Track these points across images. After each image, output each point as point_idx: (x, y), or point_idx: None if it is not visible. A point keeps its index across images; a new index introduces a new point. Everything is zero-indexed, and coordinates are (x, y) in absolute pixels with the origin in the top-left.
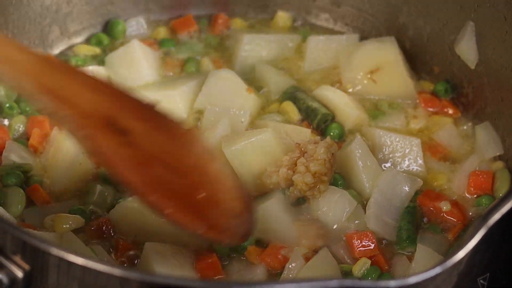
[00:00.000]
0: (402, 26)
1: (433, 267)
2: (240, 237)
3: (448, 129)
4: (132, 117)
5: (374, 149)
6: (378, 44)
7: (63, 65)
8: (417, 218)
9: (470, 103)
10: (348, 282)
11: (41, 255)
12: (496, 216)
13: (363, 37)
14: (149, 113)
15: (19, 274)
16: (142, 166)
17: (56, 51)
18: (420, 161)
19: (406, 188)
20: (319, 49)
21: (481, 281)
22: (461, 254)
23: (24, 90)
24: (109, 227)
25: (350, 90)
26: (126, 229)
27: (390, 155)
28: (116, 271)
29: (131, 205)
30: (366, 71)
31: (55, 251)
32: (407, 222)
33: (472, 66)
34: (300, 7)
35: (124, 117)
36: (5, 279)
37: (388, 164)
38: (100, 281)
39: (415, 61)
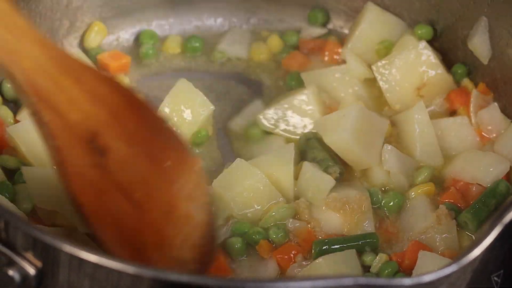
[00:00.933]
0: (414, 20)
1: (449, 264)
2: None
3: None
4: (119, 136)
5: None
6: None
7: (73, 62)
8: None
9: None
10: (362, 279)
11: (52, 252)
12: None
13: None
14: (148, 134)
15: (31, 271)
16: (102, 192)
17: (66, 45)
18: None
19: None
20: None
21: (495, 278)
22: (476, 251)
23: (13, 83)
24: None
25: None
26: None
27: None
28: (129, 268)
29: None
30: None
31: (67, 248)
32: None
33: (485, 62)
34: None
35: (109, 133)
36: (17, 276)
37: None
38: (112, 278)
39: None
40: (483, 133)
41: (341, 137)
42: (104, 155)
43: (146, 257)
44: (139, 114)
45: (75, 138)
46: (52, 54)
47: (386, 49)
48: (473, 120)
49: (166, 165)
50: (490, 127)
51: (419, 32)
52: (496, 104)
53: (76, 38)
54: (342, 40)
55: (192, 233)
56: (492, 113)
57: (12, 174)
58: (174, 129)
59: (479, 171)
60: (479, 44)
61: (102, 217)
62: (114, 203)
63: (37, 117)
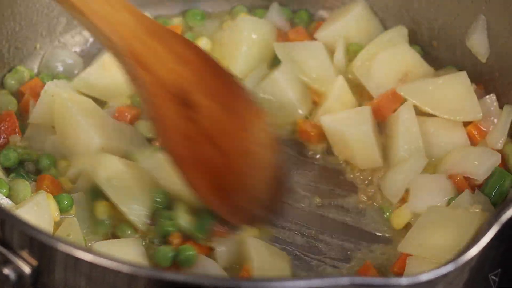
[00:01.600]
0: (413, 19)
1: (446, 264)
2: (252, 222)
3: None
4: (206, 93)
5: None
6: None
7: (160, 28)
8: None
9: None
10: (358, 279)
11: (48, 251)
12: (509, 213)
13: None
14: (226, 91)
15: (27, 270)
16: (194, 142)
17: (63, 43)
18: None
19: None
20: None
21: (493, 277)
22: (474, 250)
23: (112, 50)
24: None
25: None
26: None
27: None
28: (124, 268)
29: None
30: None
31: (63, 247)
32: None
33: (483, 60)
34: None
35: (198, 91)
36: (12, 275)
37: None
38: (108, 277)
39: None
40: (479, 126)
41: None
42: (194, 110)
43: (230, 199)
44: (216, 73)
45: (170, 95)
46: (143, 22)
47: (354, 53)
48: None
49: (242, 115)
50: (487, 118)
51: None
52: (492, 95)
53: (73, 36)
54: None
55: (267, 175)
56: (488, 104)
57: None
58: (244, 86)
59: (472, 165)
60: (477, 43)
61: (194, 165)
62: (204, 152)
63: (135, 79)
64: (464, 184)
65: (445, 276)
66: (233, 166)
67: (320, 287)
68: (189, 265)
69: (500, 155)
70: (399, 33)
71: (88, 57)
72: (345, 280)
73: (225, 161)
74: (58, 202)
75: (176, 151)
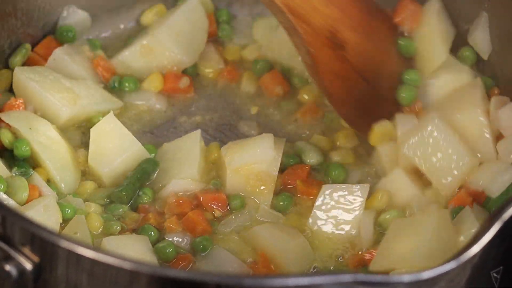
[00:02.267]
0: None
1: (448, 261)
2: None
3: None
4: (352, 28)
5: None
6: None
7: None
8: None
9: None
10: (361, 276)
11: (50, 247)
12: (511, 211)
13: None
14: (366, 18)
15: (28, 266)
16: (346, 80)
17: None
18: None
19: None
20: None
21: (494, 274)
22: (476, 248)
23: (271, 8)
24: None
25: None
26: None
27: None
28: (126, 264)
29: None
30: None
31: (65, 243)
32: None
33: (485, 57)
34: None
35: (345, 28)
36: (14, 271)
37: None
38: (110, 274)
39: None
40: (501, 131)
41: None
42: (343, 48)
43: (368, 117)
44: (356, 4)
45: (322, 40)
46: None
47: None
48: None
49: (382, 37)
50: (508, 126)
51: (465, 54)
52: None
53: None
54: None
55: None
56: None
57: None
58: (385, 12)
59: (487, 179)
60: (480, 40)
61: (346, 99)
62: (355, 85)
63: (292, 31)
64: (465, 199)
65: (447, 273)
66: (377, 91)
67: (323, 283)
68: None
69: None
70: None
71: None
72: (347, 277)
73: (370, 89)
74: (61, 210)
75: (331, 90)
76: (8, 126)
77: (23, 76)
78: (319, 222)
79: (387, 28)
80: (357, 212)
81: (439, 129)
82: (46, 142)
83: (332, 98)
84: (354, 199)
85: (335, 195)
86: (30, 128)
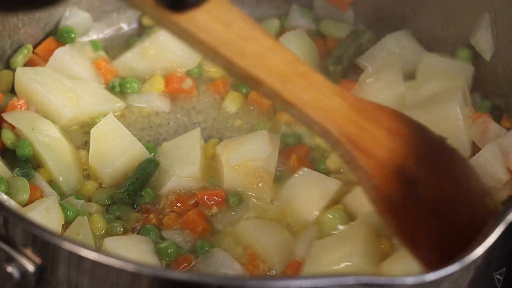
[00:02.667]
0: (417, 17)
1: (451, 263)
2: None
3: None
4: (422, 163)
5: None
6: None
7: (369, 105)
8: None
9: (485, 95)
10: (364, 278)
11: (52, 249)
12: None
13: (376, 28)
14: (438, 155)
15: (30, 267)
16: (418, 217)
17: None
18: None
19: None
20: None
21: (497, 276)
22: (479, 250)
23: (327, 138)
24: None
25: None
26: None
27: None
28: (128, 266)
29: None
30: None
31: (67, 245)
32: None
33: (488, 58)
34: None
35: (415, 163)
36: (16, 273)
37: None
38: (112, 275)
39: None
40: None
41: None
42: (414, 184)
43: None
44: (424, 137)
45: (388, 174)
46: (350, 101)
47: None
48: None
49: (458, 178)
50: None
51: (461, 54)
52: None
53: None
54: None
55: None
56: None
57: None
58: (449, 144)
59: None
60: (482, 40)
61: (419, 238)
62: (426, 223)
63: (352, 163)
64: None
65: (450, 275)
66: (453, 229)
67: (325, 286)
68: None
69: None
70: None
71: None
72: (350, 280)
73: (446, 227)
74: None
75: (402, 229)
76: (10, 127)
77: (25, 77)
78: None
79: (456, 162)
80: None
81: None
82: (49, 142)
83: (405, 238)
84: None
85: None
86: (33, 129)
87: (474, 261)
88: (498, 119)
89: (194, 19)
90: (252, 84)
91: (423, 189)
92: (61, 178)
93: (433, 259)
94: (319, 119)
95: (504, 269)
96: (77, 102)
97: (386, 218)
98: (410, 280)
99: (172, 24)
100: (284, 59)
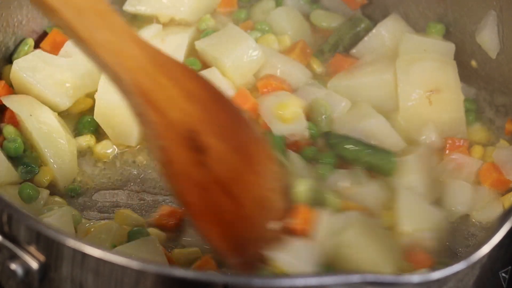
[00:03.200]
0: (422, 14)
1: (457, 262)
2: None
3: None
4: (216, 133)
5: None
6: (439, 65)
7: (170, 61)
8: None
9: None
10: (370, 276)
11: (56, 246)
12: None
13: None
14: (236, 130)
15: (34, 265)
16: (205, 190)
17: None
18: None
19: None
20: None
21: (503, 274)
22: (485, 249)
23: (118, 85)
24: None
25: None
26: None
27: None
28: (133, 264)
29: None
30: (426, 90)
31: (71, 242)
32: None
33: (493, 56)
34: None
35: (209, 132)
36: (19, 270)
37: None
38: (116, 273)
39: None
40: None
41: None
42: (203, 153)
43: (244, 248)
44: (225, 108)
45: (178, 137)
46: (150, 53)
47: None
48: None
49: (253, 157)
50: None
51: (433, 30)
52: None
53: None
54: None
55: (275, 215)
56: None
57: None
58: (250, 121)
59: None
60: (488, 38)
61: (206, 214)
62: (216, 199)
63: (142, 117)
64: None
65: (456, 274)
66: (243, 212)
67: (331, 284)
68: None
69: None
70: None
71: None
72: (356, 278)
73: (235, 208)
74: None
75: (185, 197)
76: (11, 122)
77: (18, 69)
78: None
79: (263, 155)
80: None
81: None
82: (46, 129)
83: (189, 208)
84: None
85: None
86: (31, 115)
87: (480, 260)
88: (502, 120)
89: None
90: (49, 14)
91: (215, 161)
92: (55, 166)
93: (214, 234)
94: (112, 64)
95: (510, 267)
96: (74, 86)
97: (169, 180)
98: (416, 279)
99: None
100: None
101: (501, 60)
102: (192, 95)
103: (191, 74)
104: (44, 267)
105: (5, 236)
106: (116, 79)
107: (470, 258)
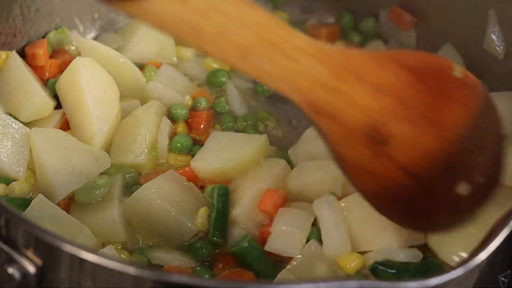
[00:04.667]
0: (428, 15)
1: (455, 268)
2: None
3: None
4: (403, 117)
5: None
6: None
7: (358, 61)
8: None
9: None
10: (366, 283)
11: (53, 251)
12: None
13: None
14: (432, 98)
15: (31, 269)
16: (386, 178)
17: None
18: None
19: None
20: None
21: (502, 279)
22: (483, 255)
23: (291, 101)
24: None
25: None
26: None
27: None
28: (130, 270)
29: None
30: None
31: (68, 247)
32: None
33: (501, 57)
34: None
35: (392, 120)
36: (17, 274)
37: None
38: (113, 279)
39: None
40: None
41: None
42: (385, 143)
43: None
44: (426, 79)
45: (355, 138)
46: (332, 60)
47: None
48: None
49: (451, 116)
50: None
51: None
52: None
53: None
54: None
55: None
56: None
57: None
58: (461, 74)
59: None
60: (493, 40)
61: (387, 198)
62: (397, 184)
63: (316, 128)
64: None
65: (454, 280)
66: (431, 190)
67: None
68: None
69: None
70: None
71: None
72: (353, 284)
73: (421, 188)
74: None
75: (367, 189)
76: None
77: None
78: None
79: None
80: None
81: None
82: None
83: (365, 194)
84: None
85: None
86: None
87: (478, 265)
88: None
89: (145, 4)
90: (214, 57)
91: (398, 147)
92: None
93: (397, 215)
94: (281, 89)
95: (509, 271)
96: None
97: (347, 175)
98: (413, 285)
99: (132, 13)
100: (251, 27)
101: (509, 61)
102: (382, 85)
103: (385, 60)
104: (41, 271)
105: (3, 240)
106: (288, 98)
107: (468, 264)
